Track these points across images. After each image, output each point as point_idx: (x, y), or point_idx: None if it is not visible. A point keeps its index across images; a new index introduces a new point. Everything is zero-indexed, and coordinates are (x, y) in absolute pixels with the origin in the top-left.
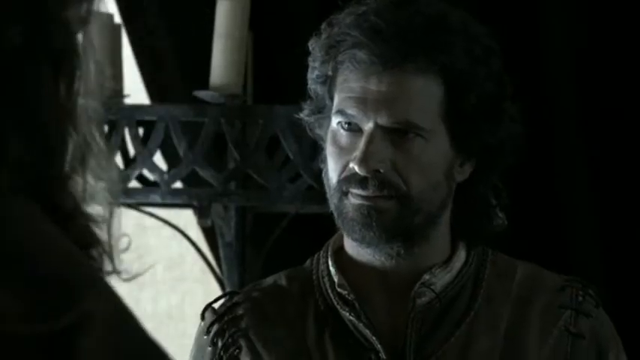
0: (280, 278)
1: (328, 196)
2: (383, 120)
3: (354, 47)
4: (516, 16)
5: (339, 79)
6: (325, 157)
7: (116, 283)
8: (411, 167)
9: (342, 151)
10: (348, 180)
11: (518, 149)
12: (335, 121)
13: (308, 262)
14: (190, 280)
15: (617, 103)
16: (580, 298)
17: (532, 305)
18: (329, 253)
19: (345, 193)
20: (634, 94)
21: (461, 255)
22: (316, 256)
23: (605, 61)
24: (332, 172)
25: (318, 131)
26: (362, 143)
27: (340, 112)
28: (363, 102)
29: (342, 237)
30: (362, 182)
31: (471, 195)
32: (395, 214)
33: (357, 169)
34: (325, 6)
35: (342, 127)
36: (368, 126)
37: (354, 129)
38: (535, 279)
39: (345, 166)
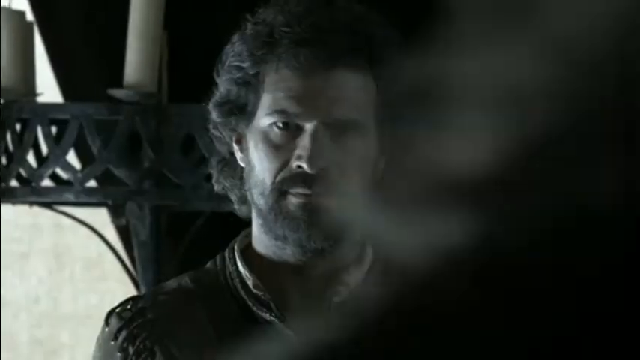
0: (184, 281)
1: (257, 196)
2: (327, 118)
3: (297, 45)
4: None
5: (272, 79)
6: (224, 159)
7: (35, 285)
8: (350, 164)
9: (279, 150)
10: (291, 179)
11: None
12: (269, 121)
13: (210, 263)
14: (110, 279)
15: None
16: None
17: None
18: (236, 254)
19: (284, 193)
20: None
21: (369, 251)
22: (219, 256)
23: None
24: (265, 172)
25: (227, 132)
26: (306, 142)
27: (278, 111)
28: (306, 100)
29: (248, 235)
30: (307, 181)
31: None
32: (337, 212)
33: (305, 167)
34: (243, 4)
35: (277, 127)
36: (311, 124)
37: (290, 128)
38: None
39: (284, 165)
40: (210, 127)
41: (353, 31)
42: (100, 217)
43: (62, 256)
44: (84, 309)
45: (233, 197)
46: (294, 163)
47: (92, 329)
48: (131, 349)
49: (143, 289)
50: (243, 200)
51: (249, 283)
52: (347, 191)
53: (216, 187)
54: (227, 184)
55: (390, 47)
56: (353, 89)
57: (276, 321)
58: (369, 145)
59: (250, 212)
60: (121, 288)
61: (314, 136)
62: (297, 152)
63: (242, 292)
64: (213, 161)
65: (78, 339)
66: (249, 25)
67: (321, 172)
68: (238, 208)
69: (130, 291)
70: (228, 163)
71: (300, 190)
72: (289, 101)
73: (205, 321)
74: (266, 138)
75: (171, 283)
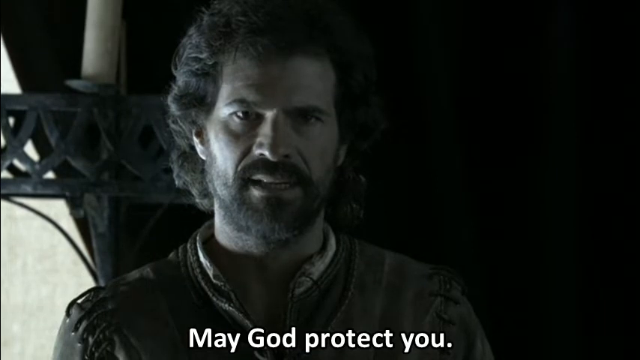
0: (146, 272)
1: (220, 187)
2: (287, 105)
3: (253, 34)
4: (390, 13)
5: (231, 69)
6: (185, 153)
7: None
8: (312, 152)
9: (240, 139)
10: (253, 166)
11: (380, 135)
12: (228, 111)
13: (172, 254)
14: (62, 271)
15: (494, 98)
16: (448, 286)
17: (403, 294)
18: (198, 245)
19: (246, 183)
20: (509, 89)
21: (332, 243)
22: (181, 248)
23: (480, 54)
24: (227, 161)
25: (187, 126)
26: (267, 129)
27: (238, 100)
28: (265, 88)
29: (210, 227)
30: (270, 168)
31: (342, 179)
32: (300, 202)
33: (267, 154)
34: None
35: (237, 116)
36: (271, 112)
37: (250, 117)
38: (403, 267)
39: (245, 153)
40: (170, 121)
41: (310, 19)
42: (54, 209)
43: (15, 247)
44: (35, 301)
45: (194, 191)
46: (256, 151)
47: (43, 321)
48: (91, 340)
49: (102, 282)
50: (205, 193)
51: (210, 273)
52: (310, 178)
53: (177, 182)
54: (188, 179)
55: (348, 35)
56: (311, 77)
57: (236, 312)
58: (329, 132)
59: (212, 205)
60: (72, 280)
61: (275, 123)
62: (259, 140)
63: (202, 283)
64: (174, 155)
65: (29, 331)
66: (206, 17)
67: (283, 160)
68: (200, 202)
69: (82, 283)
70: (189, 156)
71: (262, 177)
72: (248, 90)
73: (165, 311)
74: (226, 128)
75: (133, 274)
